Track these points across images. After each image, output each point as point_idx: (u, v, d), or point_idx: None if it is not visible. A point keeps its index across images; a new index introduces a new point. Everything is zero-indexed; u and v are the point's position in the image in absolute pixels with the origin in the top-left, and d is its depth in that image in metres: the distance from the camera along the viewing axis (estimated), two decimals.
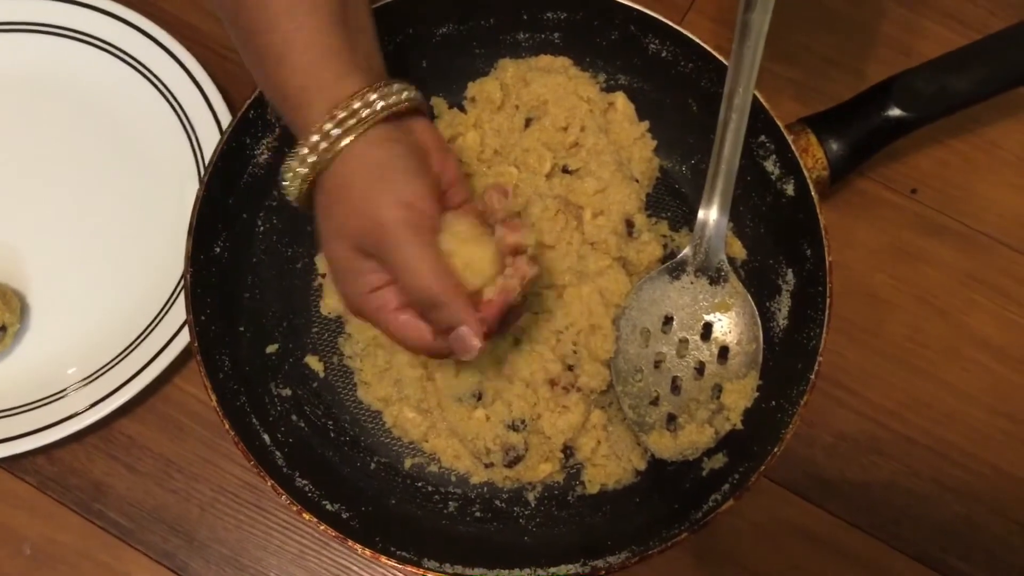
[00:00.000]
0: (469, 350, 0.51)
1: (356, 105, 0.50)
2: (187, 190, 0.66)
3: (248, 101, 0.65)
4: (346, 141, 0.50)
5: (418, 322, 0.52)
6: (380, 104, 0.51)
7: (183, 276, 0.62)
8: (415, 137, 0.54)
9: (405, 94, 0.53)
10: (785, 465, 0.70)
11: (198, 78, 0.75)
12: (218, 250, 0.65)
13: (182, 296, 0.62)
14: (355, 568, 0.68)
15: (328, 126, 0.50)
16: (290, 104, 0.52)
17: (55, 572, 0.67)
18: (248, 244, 0.68)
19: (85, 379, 0.69)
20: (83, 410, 0.67)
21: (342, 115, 0.50)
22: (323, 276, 0.70)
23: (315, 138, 0.50)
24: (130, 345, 0.70)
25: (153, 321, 0.70)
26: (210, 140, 0.74)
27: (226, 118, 0.74)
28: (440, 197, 0.53)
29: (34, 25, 0.78)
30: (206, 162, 0.64)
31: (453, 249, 0.51)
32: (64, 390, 0.69)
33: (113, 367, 0.69)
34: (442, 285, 0.50)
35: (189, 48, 0.76)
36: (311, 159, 0.51)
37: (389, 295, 0.52)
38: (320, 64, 0.51)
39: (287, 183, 0.53)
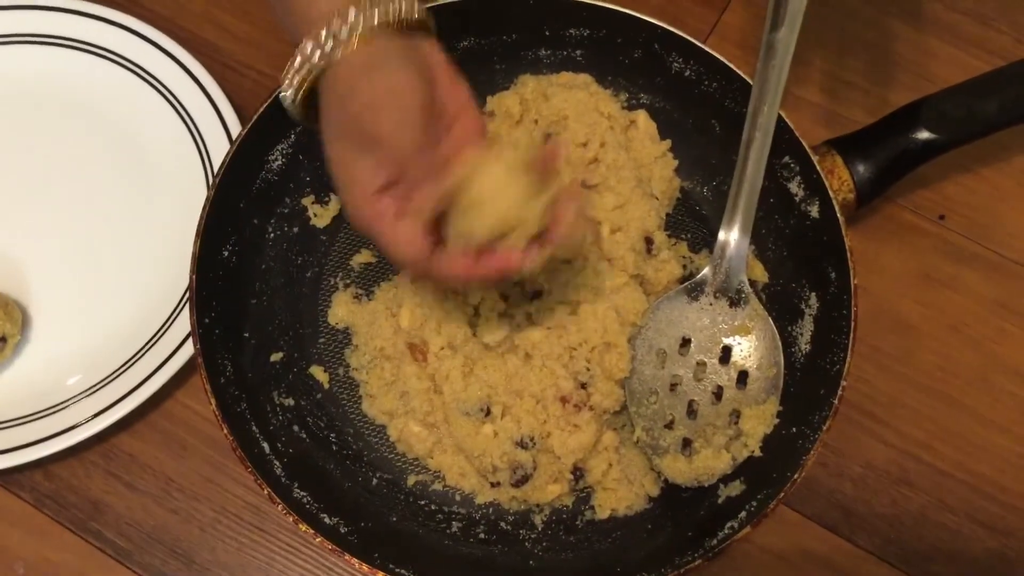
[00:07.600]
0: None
1: (364, 7, 0.50)
2: (195, 202, 0.65)
3: (266, 103, 0.64)
4: (350, 39, 0.50)
5: (414, 232, 0.52)
6: (391, 7, 0.50)
7: (189, 277, 0.61)
8: (421, 54, 0.53)
9: (417, 5, 0.52)
10: (812, 496, 0.68)
11: (211, 91, 0.75)
12: (226, 254, 0.64)
13: (187, 308, 0.61)
14: None
15: (337, 22, 0.50)
16: (297, 8, 0.52)
17: None
18: (258, 250, 0.67)
19: (86, 391, 0.67)
20: (83, 422, 0.65)
21: (352, 14, 0.50)
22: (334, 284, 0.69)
23: (323, 33, 0.50)
24: (133, 357, 0.68)
25: (157, 333, 0.69)
26: (220, 154, 0.73)
27: (237, 132, 0.73)
28: (438, 113, 0.53)
29: (48, 37, 0.78)
30: (215, 173, 0.64)
31: (480, 183, 0.50)
32: (65, 402, 0.67)
33: (115, 378, 0.67)
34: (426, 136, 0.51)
35: (206, 65, 0.76)
36: (314, 57, 0.50)
37: (387, 202, 0.52)
38: None
39: (286, 83, 0.52)
